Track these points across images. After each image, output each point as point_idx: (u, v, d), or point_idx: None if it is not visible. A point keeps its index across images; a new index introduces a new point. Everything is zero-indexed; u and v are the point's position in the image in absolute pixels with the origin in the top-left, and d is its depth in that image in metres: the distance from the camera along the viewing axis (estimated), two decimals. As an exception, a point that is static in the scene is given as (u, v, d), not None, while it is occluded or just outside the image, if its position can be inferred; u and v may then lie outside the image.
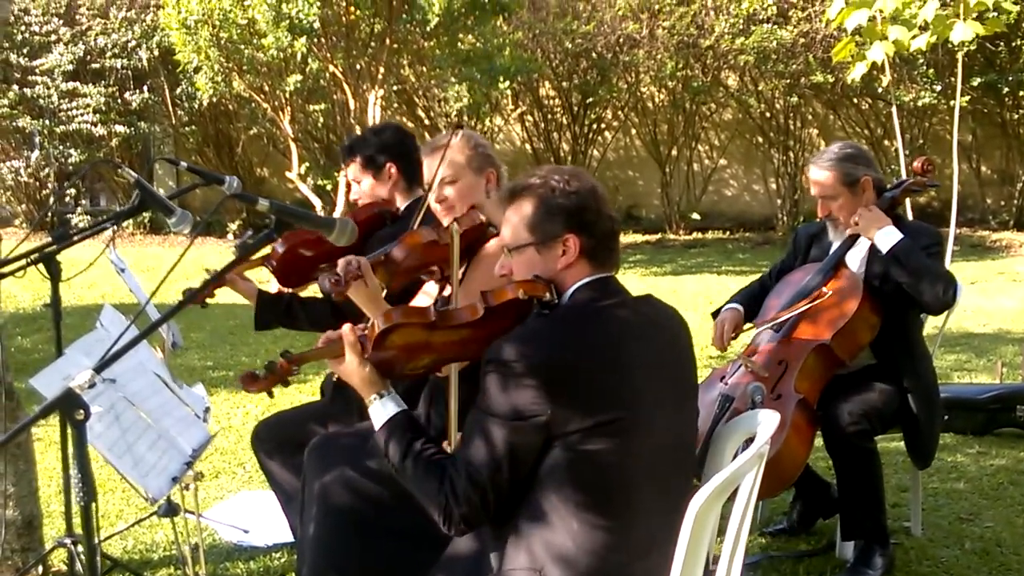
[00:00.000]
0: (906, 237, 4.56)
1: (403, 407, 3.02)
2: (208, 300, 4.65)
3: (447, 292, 3.97)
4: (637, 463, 2.80)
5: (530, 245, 2.98)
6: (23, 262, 3.82)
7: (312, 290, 4.55)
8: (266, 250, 4.45)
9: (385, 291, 3.85)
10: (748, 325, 4.98)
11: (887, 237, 4.57)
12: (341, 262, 3.68)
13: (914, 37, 8.02)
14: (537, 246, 2.97)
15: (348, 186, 5.17)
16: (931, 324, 5.17)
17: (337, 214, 13.05)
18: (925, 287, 4.51)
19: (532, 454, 2.76)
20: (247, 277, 4.77)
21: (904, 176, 5.29)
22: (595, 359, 2.79)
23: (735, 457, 3.16)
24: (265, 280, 4.77)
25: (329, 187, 15.39)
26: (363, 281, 3.64)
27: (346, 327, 3.07)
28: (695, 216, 17.55)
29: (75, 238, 3.92)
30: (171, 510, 4.55)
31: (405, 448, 2.91)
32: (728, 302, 5.12)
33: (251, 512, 5.51)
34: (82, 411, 2.56)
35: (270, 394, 3.25)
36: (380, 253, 3.84)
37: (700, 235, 17.40)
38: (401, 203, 4.77)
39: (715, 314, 5.11)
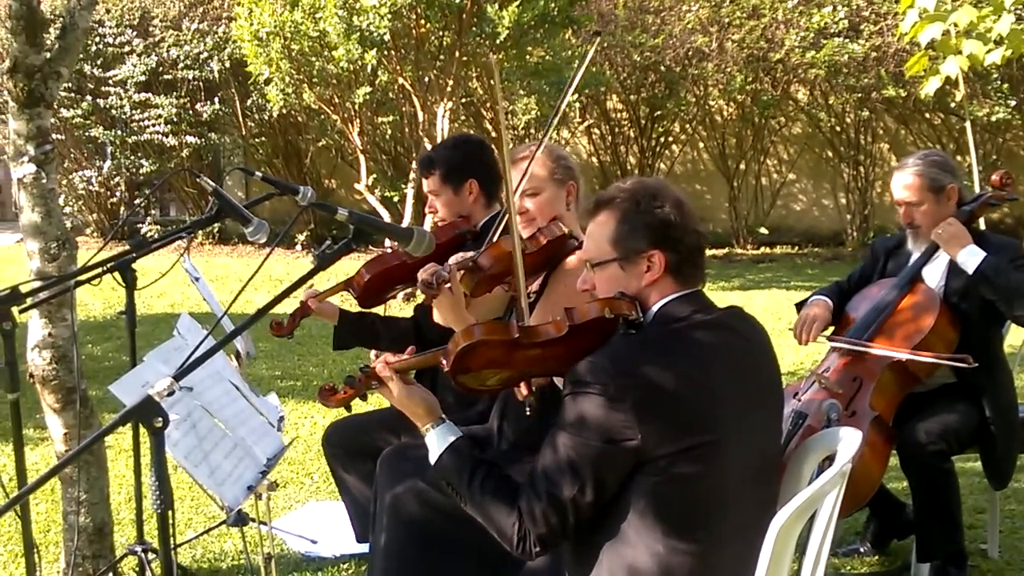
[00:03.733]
0: (990, 255, 4.49)
1: (459, 434, 2.98)
2: (296, 331, 4.71)
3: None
4: (725, 485, 2.75)
5: (614, 261, 2.92)
6: (100, 270, 3.86)
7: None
8: (349, 273, 4.53)
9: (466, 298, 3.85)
10: (825, 334, 4.87)
11: (971, 257, 4.49)
12: (431, 269, 3.69)
13: (989, 51, 7.93)
14: (621, 262, 2.91)
15: (424, 198, 5.14)
16: (1009, 342, 5.08)
17: (405, 225, 13.10)
18: (1018, 303, 4.44)
19: (619, 477, 2.70)
20: (329, 301, 4.77)
21: (978, 191, 5.21)
22: (684, 381, 2.72)
23: (812, 476, 3.11)
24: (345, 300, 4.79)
25: (396, 199, 15.43)
26: (451, 289, 3.65)
27: (379, 362, 3.05)
28: (763, 231, 17.41)
29: (153, 245, 3.95)
30: (240, 520, 4.56)
31: (469, 474, 2.86)
32: (815, 294, 4.99)
33: (319, 522, 5.52)
34: (160, 419, 2.57)
35: (348, 408, 3.25)
36: (468, 260, 3.80)
37: (768, 250, 17.25)
38: (480, 219, 4.69)
39: (799, 306, 5.00)
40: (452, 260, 3.80)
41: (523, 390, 3.02)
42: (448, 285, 3.68)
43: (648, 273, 2.89)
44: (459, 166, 4.69)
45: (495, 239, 3.91)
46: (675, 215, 2.90)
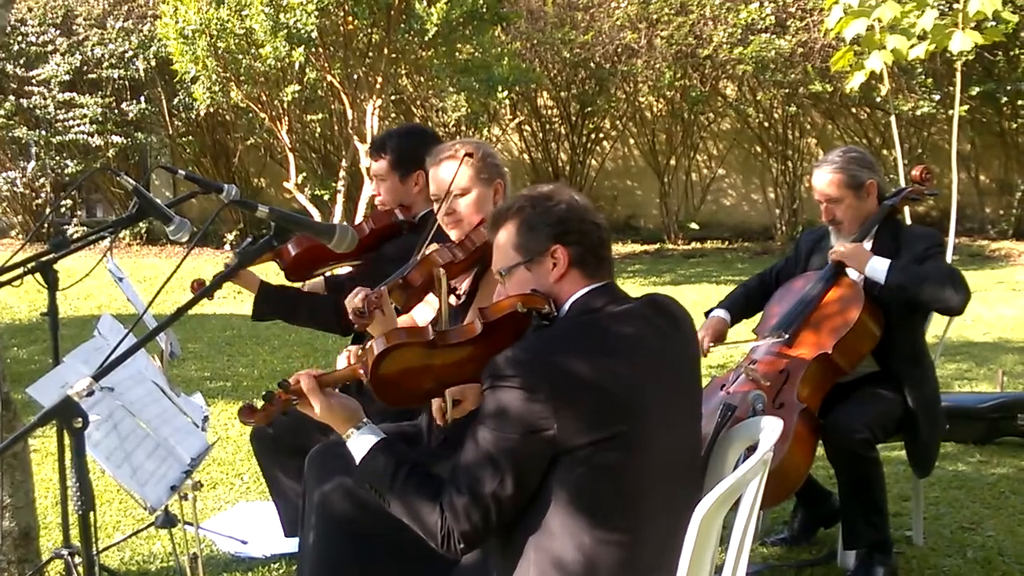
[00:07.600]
0: (894, 260, 4.56)
1: (381, 435, 2.98)
2: (208, 302, 4.60)
3: (454, 302, 3.95)
4: (646, 474, 2.77)
5: (520, 264, 2.99)
6: (20, 271, 3.80)
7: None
8: (278, 274, 4.47)
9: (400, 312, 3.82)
10: (733, 338, 4.94)
11: (877, 270, 4.57)
12: (360, 295, 3.63)
13: (913, 46, 8.01)
14: (527, 264, 2.98)
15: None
16: (931, 333, 5.15)
17: (335, 222, 13.03)
18: (934, 297, 4.52)
19: (538, 469, 2.73)
20: (250, 271, 4.72)
21: (903, 185, 5.28)
22: (599, 370, 2.75)
23: (737, 465, 3.13)
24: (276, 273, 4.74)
25: (326, 197, 15.37)
26: (382, 311, 3.62)
27: (302, 376, 3.00)
28: (694, 226, 17.51)
29: (73, 246, 3.90)
30: (169, 521, 4.51)
31: (392, 475, 2.86)
32: (716, 307, 5.09)
33: (249, 523, 5.48)
34: (80, 419, 2.55)
35: (269, 425, 3.21)
36: (397, 277, 3.77)
37: (699, 245, 17.37)
38: (421, 210, 4.68)
39: (707, 314, 5.09)
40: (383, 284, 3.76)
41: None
42: (379, 309, 3.64)
43: (554, 269, 2.96)
44: (410, 156, 4.66)
45: (426, 252, 3.88)
46: (570, 211, 2.99)
